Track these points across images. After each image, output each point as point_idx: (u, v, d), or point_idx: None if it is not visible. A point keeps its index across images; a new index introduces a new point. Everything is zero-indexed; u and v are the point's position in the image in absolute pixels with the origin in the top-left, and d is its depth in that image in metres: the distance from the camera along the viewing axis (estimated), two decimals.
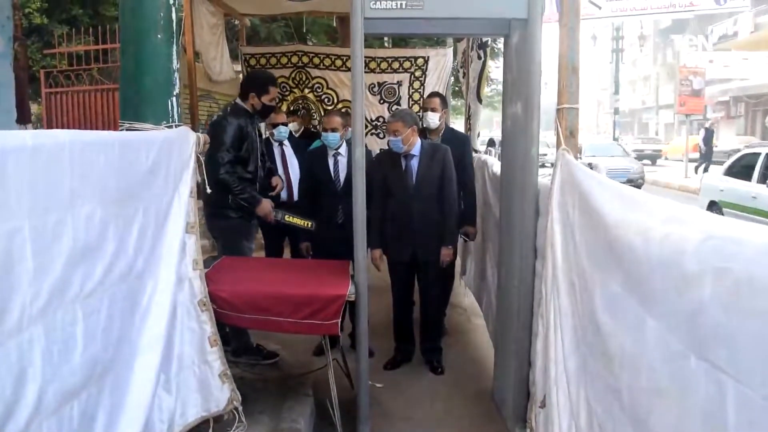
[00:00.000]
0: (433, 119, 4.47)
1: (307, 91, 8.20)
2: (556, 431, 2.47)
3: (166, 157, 2.66)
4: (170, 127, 2.88)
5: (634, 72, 49.19)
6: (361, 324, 3.18)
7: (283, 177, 4.77)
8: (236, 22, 9.96)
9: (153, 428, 2.59)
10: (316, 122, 7.96)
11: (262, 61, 8.23)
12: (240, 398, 2.98)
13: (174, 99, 2.96)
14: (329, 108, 7.95)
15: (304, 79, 8.15)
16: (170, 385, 2.73)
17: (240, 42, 9.12)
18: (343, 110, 7.83)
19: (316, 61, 8.09)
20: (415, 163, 4.10)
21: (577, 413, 2.17)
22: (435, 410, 3.74)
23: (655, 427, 1.42)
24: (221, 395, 2.93)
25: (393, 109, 7.59)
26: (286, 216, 3.99)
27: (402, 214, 4.11)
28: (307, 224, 4.09)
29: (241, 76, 8.72)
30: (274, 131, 4.83)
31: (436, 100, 4.60)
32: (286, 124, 4.91)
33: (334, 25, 10.51)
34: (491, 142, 9.92)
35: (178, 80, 3.01)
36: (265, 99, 4.00)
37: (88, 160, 2.03)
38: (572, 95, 2.98)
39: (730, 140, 28.76)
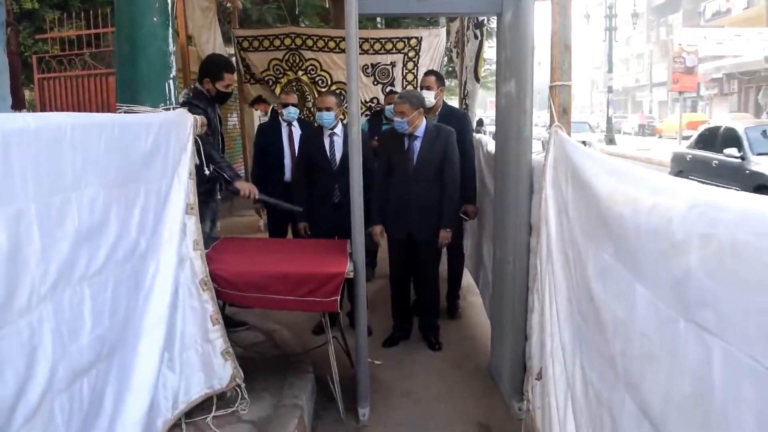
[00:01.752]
0: (428, 97, 4.47)
1: (300, 73, 8.18)
2: (553, 401, 2.54)
3: (165, 140, 2.70)
4: (168, 109, 2.90)
5: (627, 50, 49.07)
6: (359, 300, 3.23)
7: (289, 157, 4.84)
8: (228, 4, 9.92)
9: (158, 406, 2.65)
10: (310, 104, 7.98)
11: (255, 43, 8.20)
12: (242, 375, 3.05)
13: (171, 82, 2.98)
14: (323, 90, 7.95)
15: (297, 61, 8.13)
16: (174, 363, 2.79)
17: (232, 25, 9.08)
18: (337, 91, 7.87)
19: (309, 43, 8.05)
20: (417, 144, 4.13)
21: (573, 382, 2.23)
22: (433, 386, 3.82)
23: (647, 391, 1.48)
24: (224, 373, 2.99)
25: (387, 90, 7.60)
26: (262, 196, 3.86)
27: (401, 194, 4.17)
28: (290, 206, 4.11)
29: (234, 59, 8.72)
30: (284, 111, 4.87)
31: (432, 78, 4.63)
32: (296, 105, 4.94)
33: (327, 6, 10.44)
34: (480, 122, 9.92)
35: (174, 63, 3.03)
36: (219, 85, 3.94)
37: (90, 143, 2.06)
38: (565, 73, 3.00)
39: (724, 117, 28.81)
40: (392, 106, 4.85)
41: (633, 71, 49.73)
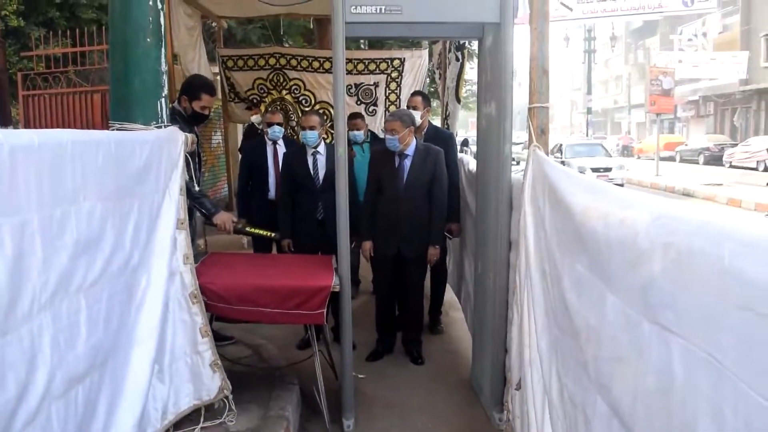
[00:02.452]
0: (416, 118, 4.54)
1: (284, 92, 8.28)
2: (531, 409, 2.64)
3: (157, 156, 2.78)
4: (159, 127, 2.99)
5: (606, 72, 50.02)
6: (345, 314, 3.32)
7: (273, 175, 4.92)
8: (213, 24, 10.04)
9: (148, 416, 2.70)
10: (294, 123, 8.08)
11: (240, 62, 8.31)
12: (230, 387, 3.11)
13: (163, 100, 3.07)
14: (307, 109, 8.07)
15: (281, 80, 8.23)
16: (164, 375, 2.85)
17: (217, 44, 9.19)
18: (321, 111, 8.01)
19: (294, 62, 8.16)
20: (407, 162, 4.23)
21: (550, 389, 2.33)
22: (416, 398, 3.90)
23: (617, 390, 1.58)
24: (212, 384, 3.05)
25: (370, 110, 7.74)
26: (248, 227, 3.89)
27: (390, 211, 4.25)
28: (269, 234, 4.18)
29: (218, 78, 8.82)
30: (269, 131, 4.94)
31: (418, 99, 4.79)
32: (281, 124, 5.03)
33: (311, 27, 10.59)
34: (465, 142, 10.10)
35: (166, 82, 3.12)
36: (196, 105, 3.90)
37: (88, 158, 2.15)
38: (543, 95, 3.14)
39: (700, 139, 29.45)
40: (358, 131, 5.47)
41: (612, 93, 50.65)
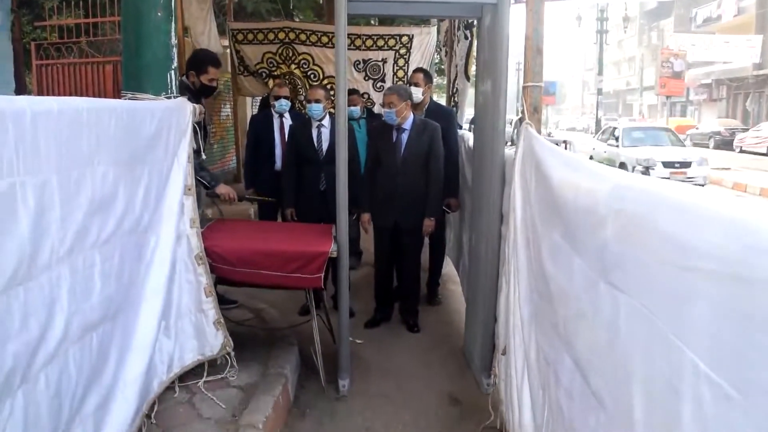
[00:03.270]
0: (416, 93, 4.69)
1: (293, 66, 8.36)
2: (513, 372, 2.81)
3: (167, 125, 2.94)
4: (169, 98, 3.15)
5: (619, 53, 49.63)
6: (342, 280, 3.49)
7: (280, 147, 5.08)
8: None
9: (155, 368, 2.90)
10: (302, 97, 8.20)
11: (250, 36, 8.38)
12: (232, 344, 3.31)
13: (172, 72, 3.22)
14: (315, 83, 8.18)
15: (290, 55, 8.31)
16: (170, 331, 3.04)
17: (227, 17, 9.27)
18: (328, 85, 8.12)
19: (303, 37, 8.23)
20: (405, 136, 4.35)
21: (529, 352, 2.50)
22: (410, 364, 4.08)
23: (578, 345, 1.75)
24: (215, 341, 3.25)
25: (378, 86, 7.83)
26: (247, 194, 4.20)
27: (388, 184, 4.39)
28: (270, 199, 4.45)
29: (228, 51, 8.93)
30: (276, 104, 5.10)
31: (419, 75, 4.90)
32: (287, 97, 5.18)
33: (320, 1, 10.63)
34: (473, 121, 10.22)
35: (176, 55, 3.27)
36: (204, 78, 4.03)
37: (102, 125, 2.31)
38: (537, 74, 3.26)
39: (711, 122, 29.31)
40: (354, 107, 5.55)
41: (624, 74, 50.27)
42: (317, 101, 4.52)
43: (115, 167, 2.40)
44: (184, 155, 3.11)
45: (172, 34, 3.22)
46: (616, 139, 15.08)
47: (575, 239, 1.81)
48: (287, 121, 5.15)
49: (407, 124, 4.35)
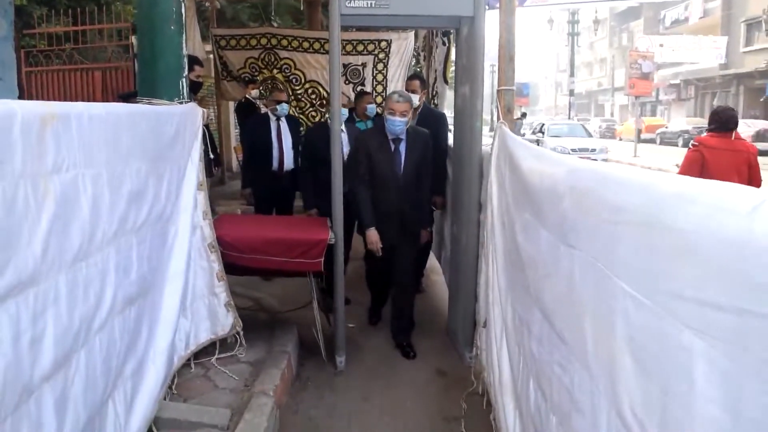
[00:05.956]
0: (414, 100, 4.55)
1: (275, 71, 8.63)
2: (492, 339, 3.22)
3: (183, 127, 3.31)
4: (181, 103, 3.51)
5: (591, 54, 50.60)
6: (337, 264, 3.87)
7: (277, 149, 5.44)
8: (207, 4, 10.43)
9: (175, 344, 3.26)
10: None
11: (232, 42, 8.68)
12: (242, 325, 3.68)
13: (184, 80, 3.59)
14: (296, 88, 8.52)
15: (273, 60, 8.60)
16: (186, 312, 3.40)
17: (210, 23, 9.56)
18: (310, 90, 8.48)
19: (284, 42, 8.52)
20: (403, 147, 4.12)
21: (506, 317, 2.92)
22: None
23: (545, 298, 2.15)
24: (226, 321, 3.62)
25: (357, 89, 8.18)
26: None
27: (387, 198, 4.11)
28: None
29: (211, 56, 9.24)
30: (277, 107, 5.42)
31: (416, 83, 5.00)
32: (288, 102, 5.54)
33: (301, 8, 10.96)
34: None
35: (186, 64, 3.63)
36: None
37: (136, 127, 2.67)
38: (509, 79, 3.68)
39: (680, 122, 30.17)
40: (372, 105, 5.66)
41: (596, 75, 51.25)
42: (343, 106, 4.66)
43: (146, 163, 2.76)
44: (196, 154, 3.48)
45: (183, 45, 3.59)
46: (543, 132, 21.07)
47: (541, 214, 2.21)
48: (284, 125, 5.52)
49: (402, 134, 4.11)
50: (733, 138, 5.02)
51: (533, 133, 22.41)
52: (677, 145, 26.87)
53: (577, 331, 1.77)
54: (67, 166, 2.05)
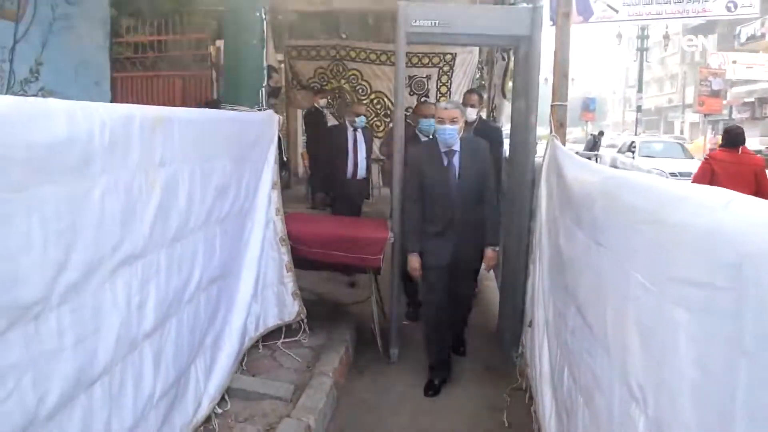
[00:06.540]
0: (471, 114, 4.69)
1: (343, 81, 9.05)
2: (536, 336, 3.46)
3: (262, 133, 3.70)
4: (260, 110, 3.90)
5: (662, 70, 49.45)
6: (395, 260, 4.17)
7: (352, 158, 5.80)
8: (280, 17, 10.95)
9: (247, 326, 3.64)
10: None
11: (303, 53, 9.15)
12: (306, 312, 4.03)
13: (263, 89, 3.99)
14: (362, 98, 8.87)
15: (340, 70, 9.01)
16: (257, 297, 3.78)
17: (284, 35, 10.05)
18: (375, 100, 8.82)
19: (353, 54, 8.95)
20: (456, 159, 3.82)
21: (547, 315, 3.16)
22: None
23: (580, 294, 2.40)
24: (293, 309, 3.99)
25: (422, 101, 8.48)
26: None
27: (443, 215, 3.82)
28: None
29: (283, 65, 9.72)
30: (356, 119, 5.76)
31: (475, 97, 5.00)
32: (366, 115, 5.92)
33: (369, 22, 11.31)
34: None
35: (266, 75, 4.03)
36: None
37: (223, 130, 3.06)
38: (562, 95, 3.91)
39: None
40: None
41: (666, 91, 50.02)
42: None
43: (230, 162, 3.15)
44: (272, 157, 3.86)
45: (264, 57, 3.99)
46: (633, 152, 17.75)
47: (579, 218, 2.46)
48: (360, 135, 5.86)
49: (456, 145, 3.81)
50: (740, 152, 6.01)
51: (619, 151, 19.10)
52: None
53: (601, 320, 2.02)
54: (170, 162, 2.44)
